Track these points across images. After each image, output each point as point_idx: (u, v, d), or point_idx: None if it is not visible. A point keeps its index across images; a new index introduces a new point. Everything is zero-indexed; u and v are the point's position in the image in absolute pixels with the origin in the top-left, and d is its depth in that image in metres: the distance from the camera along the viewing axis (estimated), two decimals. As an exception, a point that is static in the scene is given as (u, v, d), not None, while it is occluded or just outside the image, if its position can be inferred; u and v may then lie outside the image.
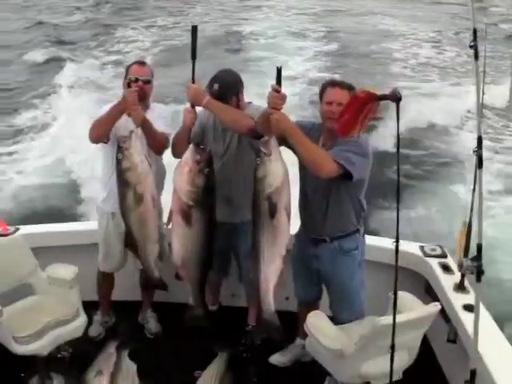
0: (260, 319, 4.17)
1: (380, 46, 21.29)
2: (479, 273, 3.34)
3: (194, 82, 4.10)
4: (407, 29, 24.11)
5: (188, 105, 4.13)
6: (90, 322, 4.42)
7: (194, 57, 4.08)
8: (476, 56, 3.11)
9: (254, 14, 27.52)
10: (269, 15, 27.14)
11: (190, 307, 4.29)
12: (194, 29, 4.06)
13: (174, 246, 4.08)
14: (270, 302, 4.00)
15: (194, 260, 4.10)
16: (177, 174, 3.90)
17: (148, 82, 4.47)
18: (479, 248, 3.34)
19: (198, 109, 4.16)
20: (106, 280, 5.03)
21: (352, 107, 3.38)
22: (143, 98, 4.35)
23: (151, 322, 5.14)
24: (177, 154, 4.19)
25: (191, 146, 3.91)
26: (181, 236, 4.03)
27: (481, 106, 3.21)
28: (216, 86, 4.22)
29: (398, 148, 3.01)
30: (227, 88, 4.27)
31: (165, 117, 4.54)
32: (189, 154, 3.87)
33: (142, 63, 4.62)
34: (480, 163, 3.23)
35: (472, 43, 3.10)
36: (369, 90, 3.29)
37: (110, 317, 5.17)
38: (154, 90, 4.59)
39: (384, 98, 3.15)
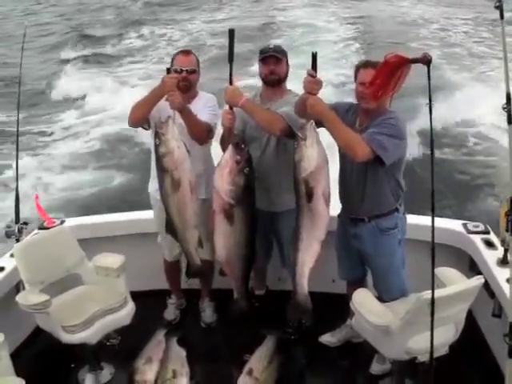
0: (293, 301, 4.21)
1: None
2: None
3: (231, 84, 4.11)
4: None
5: (227, 107, 4.16)
6: (137, 311, 4.45)
7: (231, 60, 4.08)
8: (501, 16, 3.18)
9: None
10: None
11: (235, 300, 4.39)
12: (232, 32, 4.06)
13: (217, 245, 4.17)
14: (303, 284, 4.08)
15: (237, 257, 4.21)
16: (217, 175, 3.99)
17: (193, 71, 4.43)
18: None
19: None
20: (171, 268, 5.07)
21: (384, 72, 3.39)
22: (189, 88, 4.37)
23: (207, 312, 5.13)
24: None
25: (230, 146, 3.97)
26: (223, 234, 4.13)
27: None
28: (271, 45, 4.47)
29: (430, 117, 3.00)
30: (280, 49, 4.45)
31: (210, 106, 4.44)
32: (228, 154, 3.96)
33: (186, 52, 4.55)
34: (509, 119, 3.24)
35: (497, 4, 3.15)
36: (399, 54, 3.30)
37: (183, 299, 5.27)
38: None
39: (415, 61, 3.16)
